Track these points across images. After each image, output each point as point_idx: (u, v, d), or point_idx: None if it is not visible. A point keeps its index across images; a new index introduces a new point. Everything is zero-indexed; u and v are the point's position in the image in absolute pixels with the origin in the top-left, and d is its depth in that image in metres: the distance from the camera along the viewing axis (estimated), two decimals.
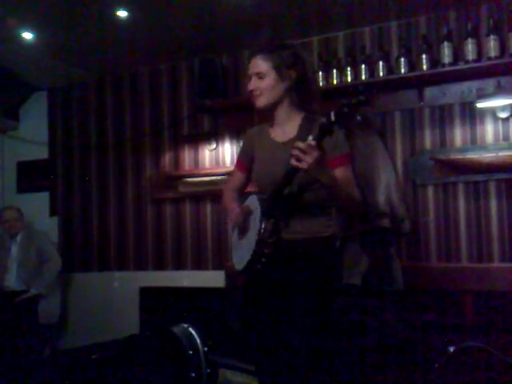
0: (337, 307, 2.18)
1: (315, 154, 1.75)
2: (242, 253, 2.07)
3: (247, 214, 2.04)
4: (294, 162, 1.78)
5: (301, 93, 2.05)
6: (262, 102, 2.07)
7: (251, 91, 2.08)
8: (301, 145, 1.76)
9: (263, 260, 1.95)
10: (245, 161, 2.24)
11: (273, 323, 2.02)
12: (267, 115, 2.14)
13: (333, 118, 1.74)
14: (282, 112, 2.09)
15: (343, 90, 3.60)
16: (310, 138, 1.79)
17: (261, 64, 2.05)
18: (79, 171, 4.81)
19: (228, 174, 4.13)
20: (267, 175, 2.06)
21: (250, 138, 2.25)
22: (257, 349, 2.11)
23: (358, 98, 1.73)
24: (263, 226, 1.94)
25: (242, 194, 2.28)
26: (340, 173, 1.97)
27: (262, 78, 2.04)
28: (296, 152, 1.76)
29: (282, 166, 1.95)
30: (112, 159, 4.68)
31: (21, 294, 4.25)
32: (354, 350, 2.97)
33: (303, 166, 1.76)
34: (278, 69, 2.02)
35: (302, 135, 1.98)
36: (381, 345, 3.02)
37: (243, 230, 2.07)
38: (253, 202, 2.05)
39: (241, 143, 2.41)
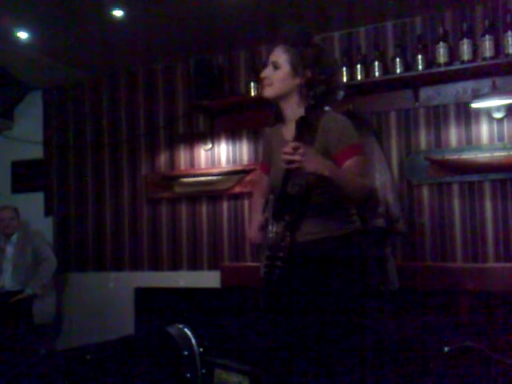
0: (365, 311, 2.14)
1: (300, 151, 1.72)
2: (263, 259, 2.04)
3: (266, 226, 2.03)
4: (283, 164, 1.77)
5: (312, 93, 1.99)
6: (269, 92, 2.04)
7: (263, 79, 2.05)
8: (285, 148, 1.75)
9: (279, 264, 1.90)
10: (267, 162, 2.23)
11: (291, 328, 1.97)
12: (277, 112, 2.12)
13: (303, 112, 1.77)
14: (289, 108, 2.05)
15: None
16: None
17: (279, 54, 2.02)
18: (74, 171, 4.80)
19: (223, 174, 4.15)
20: (276, 175, 2.04)
21: (267, 137, 2.24)
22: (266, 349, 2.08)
23: (320, 88, 1.77)
24: (274, 230, 1.92)
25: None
26: (348, 166, 1.90)
27: (277, 69, 2.01)
28: (283, 155, 1.75)
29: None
30: (107, 159, 4.67)
31: (16, 294, 4.23)
32: (350, 351, 2.97)
33: (293, 165, 1.75)
34: (294, 64, 1.98)
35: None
36: (376, 345, 3.02)
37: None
38: (270, 207, 2.05)
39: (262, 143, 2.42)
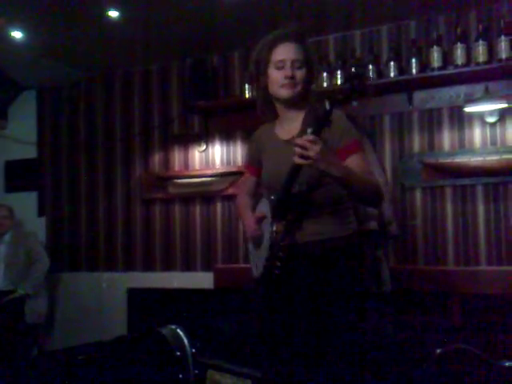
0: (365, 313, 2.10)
1: (317, 146, 1.64)
2: (258, 260, 2.00)
3: (261, 222, 1.97)
4: (297, 159, 1.67)
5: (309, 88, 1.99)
6: (295, 92, 1.93)
7: (290, 77, 1.91)
8: (300, 140, 1.66)
9: (278, 264, 1.86)
10: (255, 164, 2.16)
11: (291, 329, 1.92)
12: (271, 112, 2.06)
13: (327, 106, 1.65)
14: (293, 108, 1.99)
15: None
16: (309, 130, 1.69)
17: (299, 53, 1.93)
18: (68, 171, 4.79)
19: (217, 175, 4.15)
20: (274, 175, 1.98)
21: (257, 139, 2.16)
22: (270, 351, 2.01)
23: (352, 82, 1.66)
24: (274, 229, 1.86)
25: (256, 197, 2.19)
26: (352, 162, 1.84)
27: (299, 68, 1.92)
28: (297, 149, 1.65)
29: (287, 165, 1.86)
30: (101, 159, 4.66)
31: (8, 294, 4.21)
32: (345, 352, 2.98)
33: (307, 162, 1.66)
34: (310, 63, 1.95)
35: (304, 130, 1.90)
36: (369, 347, 3.03)
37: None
38: (264, 206, 1.98)
39: (248, 146, 2.29)
